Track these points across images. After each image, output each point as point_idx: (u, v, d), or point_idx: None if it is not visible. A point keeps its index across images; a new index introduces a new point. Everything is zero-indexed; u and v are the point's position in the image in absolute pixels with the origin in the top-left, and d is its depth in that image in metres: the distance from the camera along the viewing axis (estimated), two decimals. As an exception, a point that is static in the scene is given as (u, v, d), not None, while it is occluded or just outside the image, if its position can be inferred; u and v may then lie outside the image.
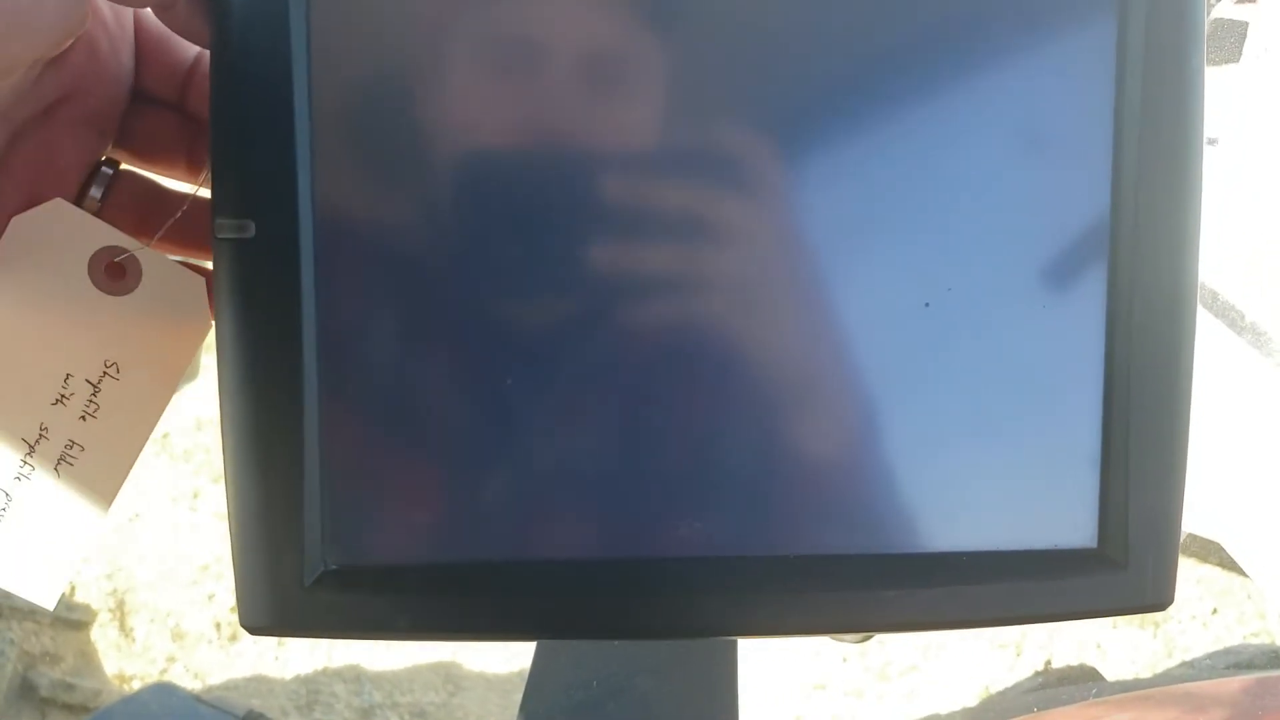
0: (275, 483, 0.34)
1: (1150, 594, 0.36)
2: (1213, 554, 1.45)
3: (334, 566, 0.35)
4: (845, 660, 1.55)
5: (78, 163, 0.39)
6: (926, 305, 0.35)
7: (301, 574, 0.34)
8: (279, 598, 0.34)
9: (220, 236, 0.33)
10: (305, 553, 0.34)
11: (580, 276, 0.35)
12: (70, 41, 0.34)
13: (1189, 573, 1.61)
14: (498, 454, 0.35)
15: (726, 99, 0.35)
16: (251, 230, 0.33)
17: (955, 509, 0.36)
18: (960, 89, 0.35)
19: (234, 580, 0.35)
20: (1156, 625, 1.56)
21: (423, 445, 0.35)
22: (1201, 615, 1.58)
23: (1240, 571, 1.40)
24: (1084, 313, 0.36)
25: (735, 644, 0.44)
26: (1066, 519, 0.36)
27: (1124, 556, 0.36)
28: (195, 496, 1.74)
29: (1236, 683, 0.69)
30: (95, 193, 0.39)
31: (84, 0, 0.33)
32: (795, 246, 0.35)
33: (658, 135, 0.35)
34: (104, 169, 0.40)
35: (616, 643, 0.45)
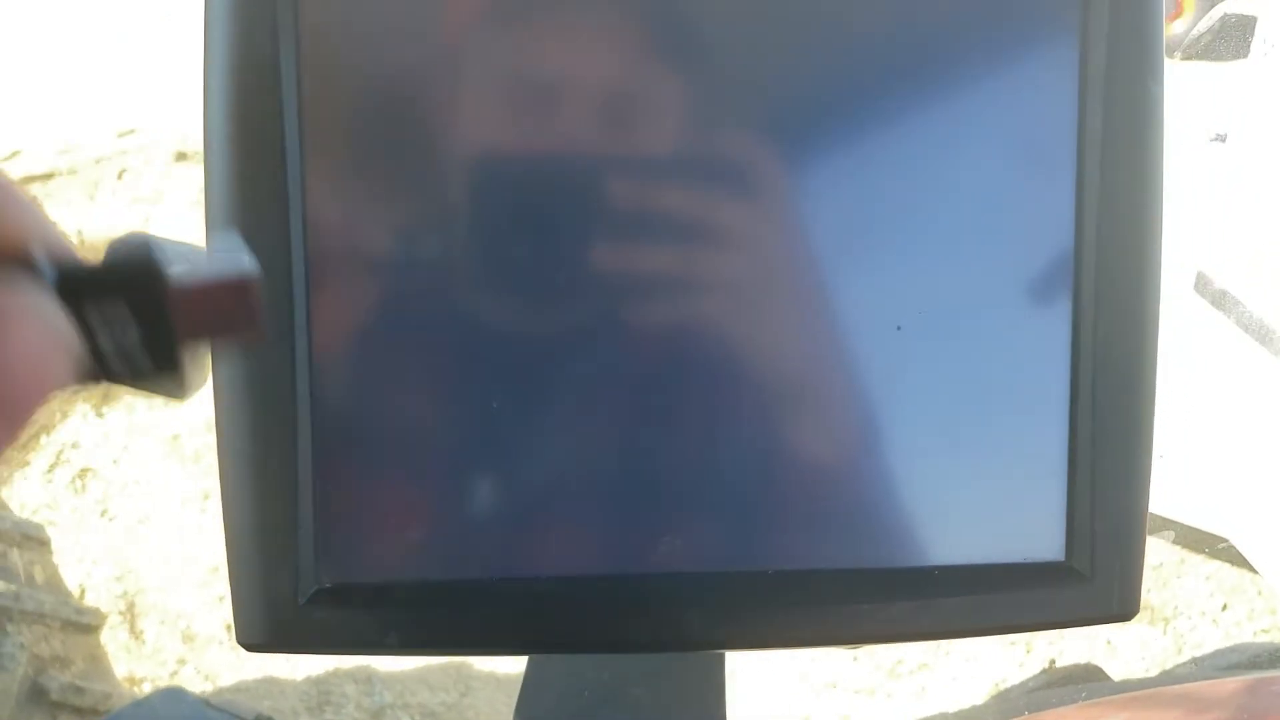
0: (269, 502, 0.35)
1: (1116, 605, 0.37)
2: (1222, 550, 1.45)
3: (327, 584, 0.36)
4: (855, 659, 1.55)
5: None
6: (899, 329, 0.36)
7: (295, 592, 0.35)
8: (274, 616, 0.35)
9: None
10: (299, 571, 0.35)
11: (560, 299, 0.36)
12: None
13: (1198, 569, 1.60)
14: (487, 473, 0.36)
15: (711, 119, 0.35)
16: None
17: (928, 525, 0.37)
18: (927, 117, 0.36)
19: (230, 599, 0.36)
20: (1166, 621, 1.56)
21: (414, 465, 0.36)
22: (1212, 611, 1.58)
23: (1250, 568, 1.39)
24: (1050, 331, 0.37)
25: (723, 656, 0.45)
26: (1035, 533, 0.37)
27: (1090, 568, 0.37)
28: (205, 499, 1.74)
29: (1236, 683, 0.69)
30: None
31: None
32: (768, 278, 0.36)
33: (646, 151, 0.35)
34: None
35: (608, 655, 0.45)
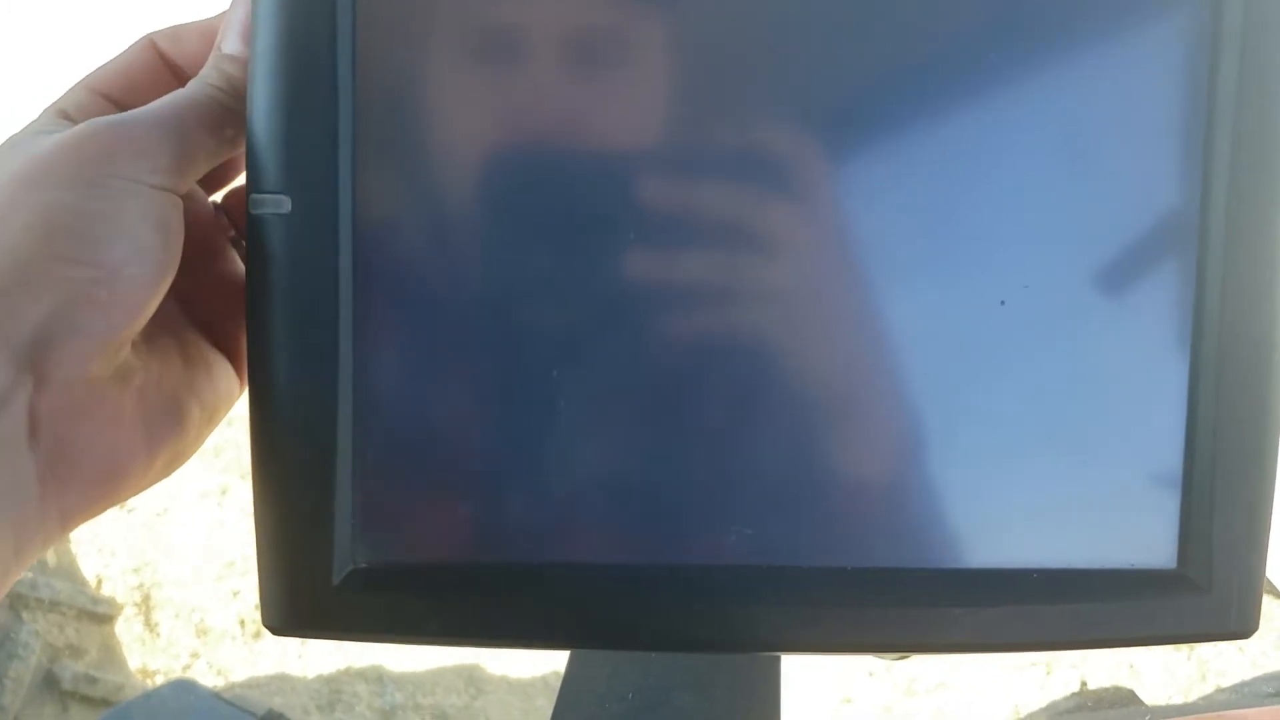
0: (305, 475, 0.33)
1: (1234, 620, 0.34)
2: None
3: (364, 565, 0.33)
4: (872, 675, 1.53)
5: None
6: (1002, 304, 0.33)
7: (330, 572, 0.33)
8: (305, 597, 0.33)
9: (255, 212, 0.32)
10: (334, 549, 0.33)
11: (622, 275, 0.33)
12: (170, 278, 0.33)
13: (1225, 596, 1.57)
14: (537, 450, 0.34)
15: (779, 95, 0.33)
16: (288, 206, 0.32)
17: (1026, 523, 0.34)
18: (1043, 72, 0.33)
19: (257, 577, 0.33)
20: (1190, 648, 1.53)
21: (460, 437, 0.34)
22: (1237, 638, 1.55)
23: (1277, 595, 1.37)
24: (1168, 315, 0.34)
25: (779, 660, 0.42)
26: (1145, 537, 0.34)
27: (1207, 579, 0.34)
28: (223, 493, 1.74)
29: (1281, 710, 0.66)
30: None
31: (169, 251, 0.32)
32: (867, 242, 0.33)
33: (710, 136, 0.33)
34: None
35: (656, 655, 0.43)
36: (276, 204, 0.32)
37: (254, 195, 0.32)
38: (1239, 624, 0.33)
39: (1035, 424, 0.34)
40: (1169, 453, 0.34)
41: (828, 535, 0.34)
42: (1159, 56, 0.33)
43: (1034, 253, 0.33)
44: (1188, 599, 0.34)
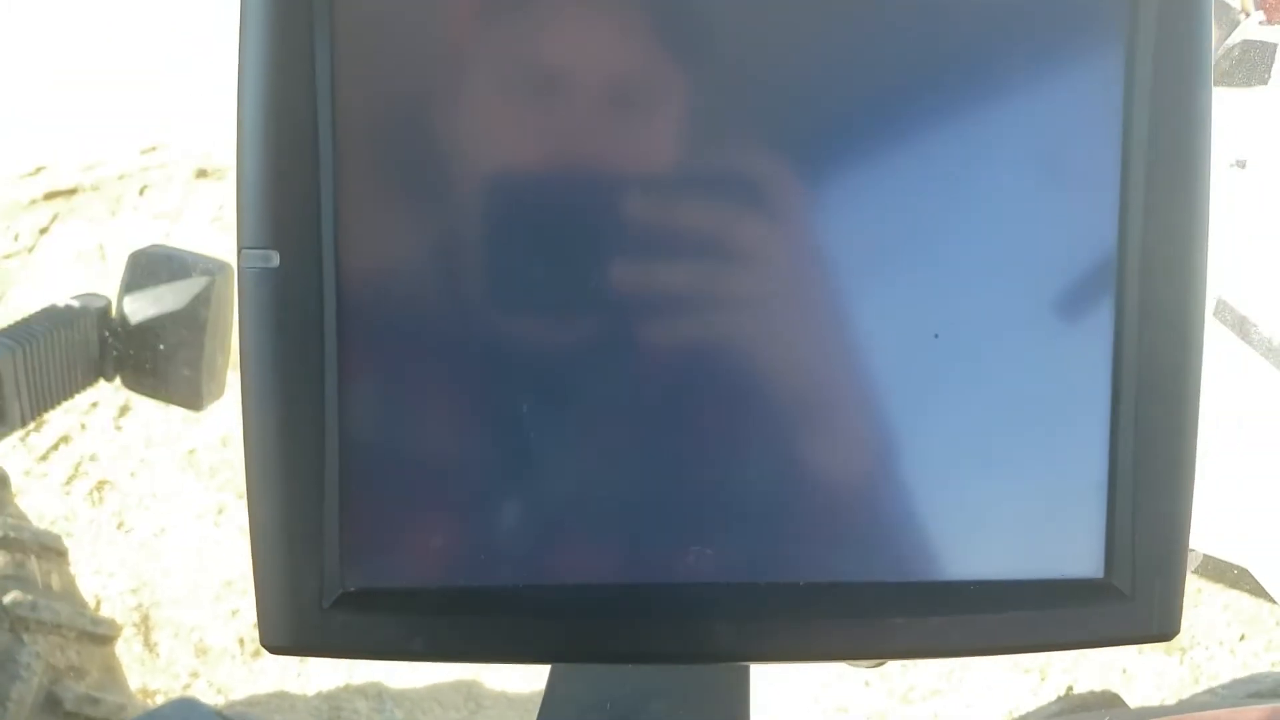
0: (296, 505, 0.35)
1: (1157, 624, 0.36)
2: (1240, 580, 1.44)
3: (352, 588, 0.35)
4: (868, 684, 1.54)
5: None
6: (936, 336, 0.35)
7: (321, 595, 0.35)
8: (298, 619, 0.35)
9: (245, 266, 0.34)
10: (324, 574, 0.35)
11: (592, 310, 0.35)
12: None
13: (1216, 598, 1.59)
14: (514, 480, 0.36)
15: (739, 130, 0.35)
16: (276, 260, 0.34)
17: (963, 538, 0.36)
18: (968, 121, 0.35)
19: (254, 601, 0.35)
20: (1183, 651, 1.55)
21: (441, 470, 0.36)
22: (1229, 641, 1.56)
23: (1268, 598, 1.38)
24: (1091, 341, 0.36)
25: (747, 670, 0.44)
26: (1074, 549, 0.36)
27: (1131, 586, 0.36)
28: (220, 512, 1.75)
29: (1261, 710, 0.68)
30: None
31: None
32: (804, 281, 0.36)
33: (673, 163, 0.35)
34: None
35: (631, 667, 0.45)
36: (265, 258, 0.34)
37: (245, 251, 0.34)
38: (1161, 627, 0.36)
39: (970, 447, 0.36)
40: (1094, 471, 0.36)
41: (781, 553, 0.36)
42: (1076, 101, 0.35)
43: (965, 288, 0.36)
44: (1114, 606, 0.36)
